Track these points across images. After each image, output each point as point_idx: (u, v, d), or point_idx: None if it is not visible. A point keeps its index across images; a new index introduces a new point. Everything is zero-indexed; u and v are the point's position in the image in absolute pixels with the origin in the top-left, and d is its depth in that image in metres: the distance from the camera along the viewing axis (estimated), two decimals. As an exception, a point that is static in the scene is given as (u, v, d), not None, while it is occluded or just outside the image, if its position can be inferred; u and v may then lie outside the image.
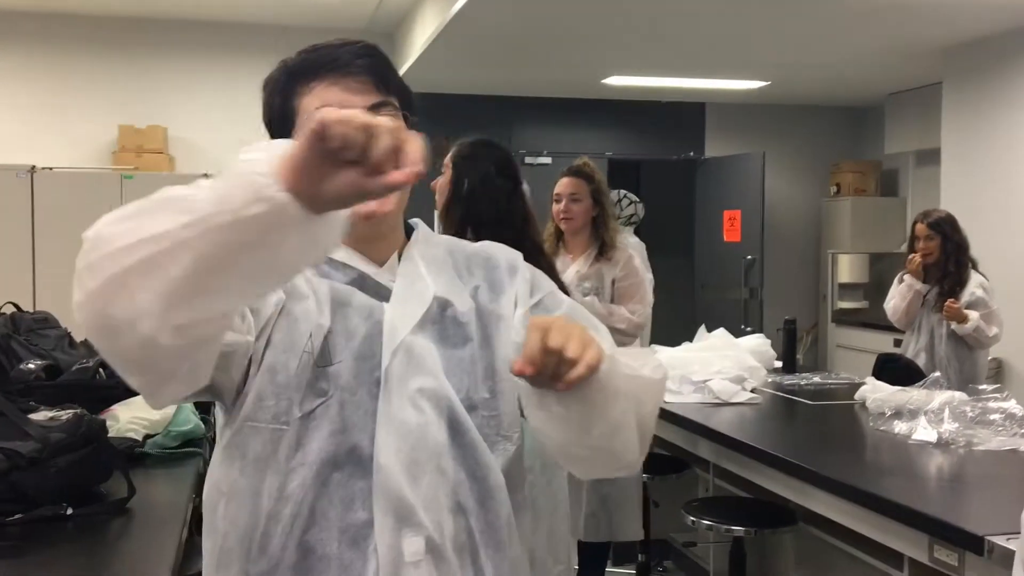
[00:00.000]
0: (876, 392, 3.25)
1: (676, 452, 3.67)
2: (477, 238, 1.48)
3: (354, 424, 1.16)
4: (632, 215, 5.20)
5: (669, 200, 8.33)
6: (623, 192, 5.28)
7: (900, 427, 2.95)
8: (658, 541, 4.15)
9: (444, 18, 5.08)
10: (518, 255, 1.36)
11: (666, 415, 3.57)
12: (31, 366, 2.57)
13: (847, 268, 7.64)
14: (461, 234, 2.54)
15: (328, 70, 1.20)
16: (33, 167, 5.53)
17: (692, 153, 8.07)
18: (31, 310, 3.24)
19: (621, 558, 4.18)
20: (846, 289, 7.67)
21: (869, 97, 7.67)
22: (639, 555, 3.92)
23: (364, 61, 1.21)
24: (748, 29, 5.33)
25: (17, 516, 1.84)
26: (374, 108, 1.17)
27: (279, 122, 1.23)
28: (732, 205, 7.66)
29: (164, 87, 6.60)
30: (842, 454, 2.94)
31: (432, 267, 1.27)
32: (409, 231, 1.32)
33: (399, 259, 1.26)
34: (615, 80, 6.84)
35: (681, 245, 7.96)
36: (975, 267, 4.40)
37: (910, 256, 4.41)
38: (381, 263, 1.26)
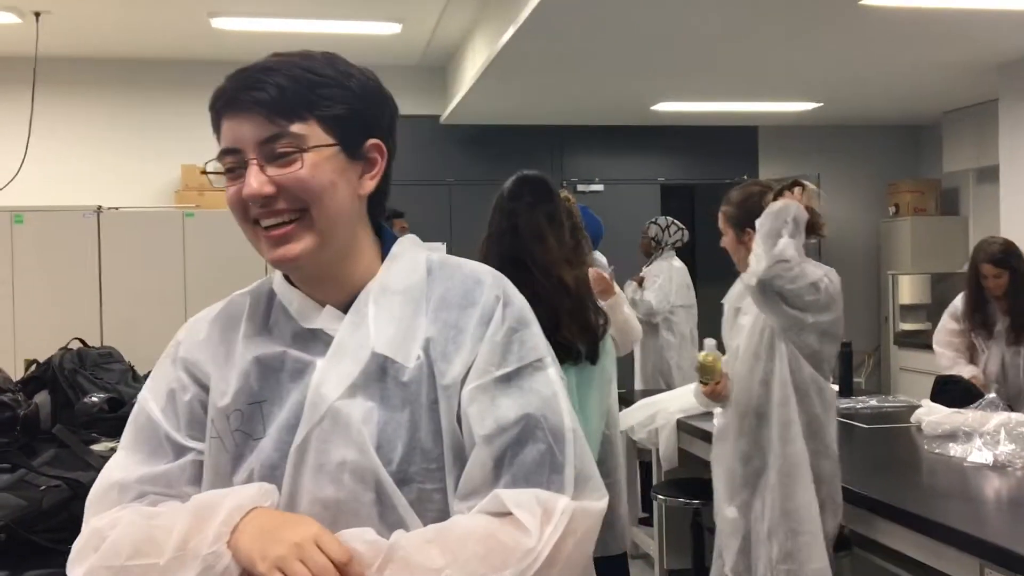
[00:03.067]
0: (931, 414, 3.20)
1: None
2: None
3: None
4: (677, 240, 5.49)
5: (724, 224, 8.30)
6: (670, 219, 5.56)
7: (955, 449, 2.90)
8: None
9: (493, 50, 5.16)
10: (506, 302, 1.14)
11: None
12: (95, 399, 2.68)
13: (908, 289, 7.51)
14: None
15: (226, 105, 1.11)
16: (99, 207, 5.73)
17: (746, 176, 8.02)
18: (98, 345, 3.36)
19: (676, 585, 4.15)
20: (908, 310, 7.53)
21: (925, 115, 7.56)
22: (694, 583, 3.88)
23: (252, 95, 1.09)
24: (799, 51, 5.32)
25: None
26: (268, 141, 1.09)
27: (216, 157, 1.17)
28: (788, 228, 7.56)
29: (224, 126, 6.79)
30: (897, 478, 2.90)
31: (386, 309, 1.13)
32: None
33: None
34: (665, 106, 6.86)
35: (736, 269, 7.89)
36: None
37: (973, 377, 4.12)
38: (343, 301, 1.14)
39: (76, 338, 3.26)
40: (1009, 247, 4.11)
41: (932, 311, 7.32)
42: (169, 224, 5.78)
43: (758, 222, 2.47)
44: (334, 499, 1.05)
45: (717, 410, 2.84)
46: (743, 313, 2.75)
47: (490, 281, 1.16)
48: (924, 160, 8.11)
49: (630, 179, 7.73)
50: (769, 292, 2.44)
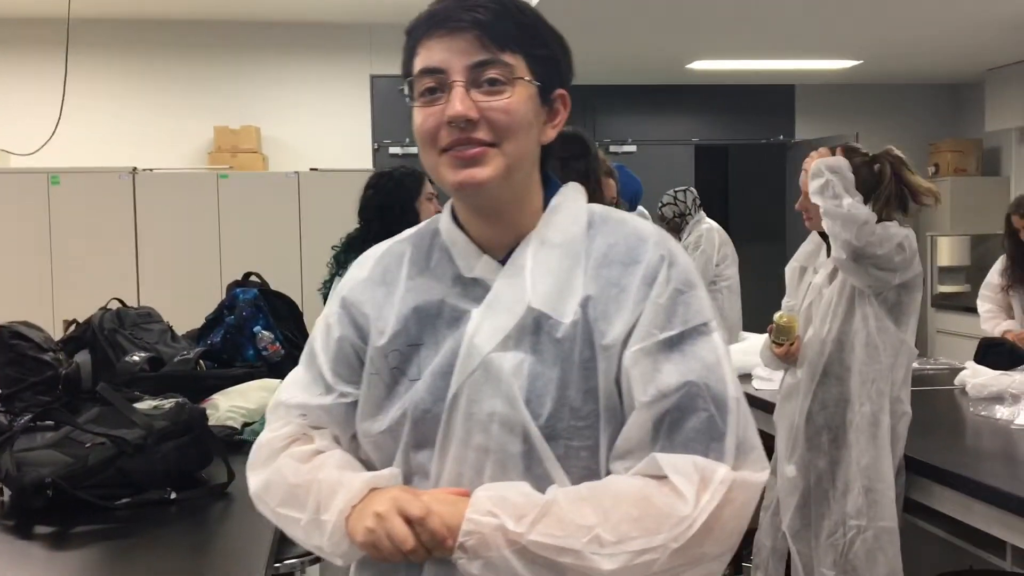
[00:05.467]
0: (977, 377, 3.15)
1: (767, 440, 3.61)
2: None
3: (423, 443, 1.11)
4: (695, 198, 5.34)
5: (759, 185, 8.19)
6: (672, 191, 5.38)
7: (1002, 412, 2.85)
8: (749, 530, 4.09)
9: (526, 9, 5.08)
10: (671, 261, 1.10)
11: (757, 402, 3.52)
12: (135, 358, 2.69)
13: (947, 251, 7.39)
14: None
15: (436, 25, 1.09)
16: (135, 169, 5.75)
17: (782, 136, 7.91)
18: (135, 305, 3.38)
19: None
20: (946, 273, 7.41)
21: (967, 73, 7.38)
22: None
23: (471, 15, 1.08)
24: (837, 6, 5.20)
25: (124, 500, 1.93)
26: (478, 67, 1.08)
27: (405, 80, 1.14)
28: (824, 188, 7.44)
29: (257, 88, 6.78)
30: (942, 440, 2.86)
31: (544, 262, 1.11)
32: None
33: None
34: (700, 64, 6.75)
35: (772, 230, 7.81)
36: None
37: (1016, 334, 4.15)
38: (507, 245, 1.14)
39: (115, 298, 3.28)
40: None
41: (971, 273, 7.20)
42: (203, 185, 5.79)
43: (813, 189, 2.47)
44: (483, 447, 1.08)
45: (776, 373, 2.82)
46: (812, 272, 2.73)
47: (655, 239, 1.13)
48: (965, 119, 7.94)
49: (663, 140, 7.63)
50: (862, 260, 2.43)
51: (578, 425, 1.07)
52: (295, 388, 1.23)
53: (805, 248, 2.81)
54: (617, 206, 2.75)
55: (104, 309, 3.10)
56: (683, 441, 1.03)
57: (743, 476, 1.03)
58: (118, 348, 2.92)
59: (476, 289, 1.13)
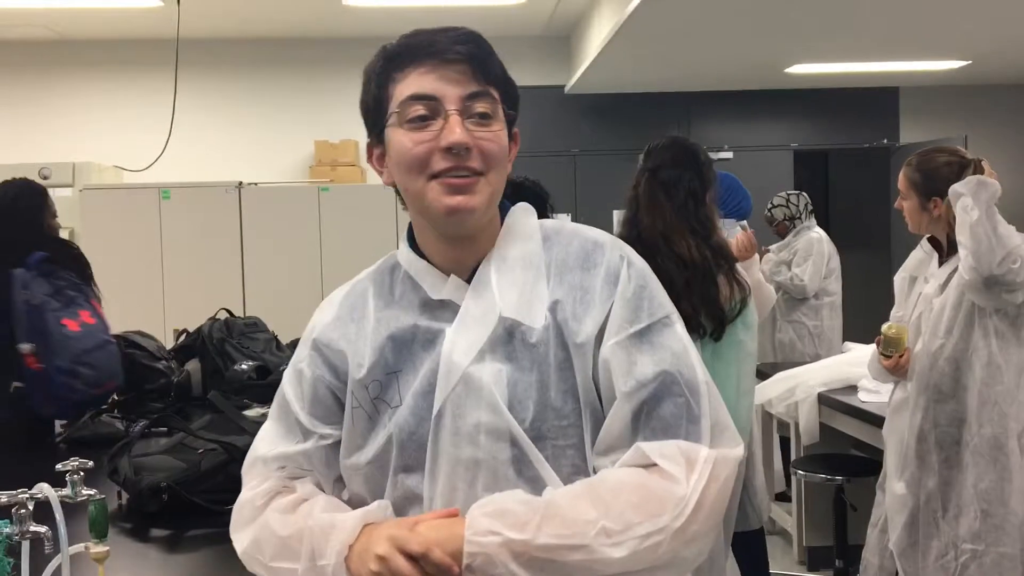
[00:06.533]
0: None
1: (872, 453, 3.51)
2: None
3: (412, 465, 1.13)
4: (807, 203, 5.28)
5: (861, 190, 7.96)
6: (784, 193, 5.36)
7: None
8: (855, 547, 3.98)
9: (620, 17, 5.06)
10: (630, 261, 1.18)
11: (863, 415, 3.42)
12: (244, 367, 2.77)
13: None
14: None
15: (425, 55, 1.13)
16: (240, 183, 5.92)
17: (886, 140, 7.68)
18: (242, 315, 3.48)
19: (817, 563, 4.04)
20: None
21: (1085, 71, 7.05)
22: (836, 560, 3.77)
23: (464, 48, 1.12)
24: (944, 4, 5.02)
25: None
26: (471, 98, 1.12)
27: (373, 110, 1.18)
28: (932, 193, 7.20)
29: (354, 102, 6.86)
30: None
31: (508, 275, 1.16)
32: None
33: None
34: (799, 68, 6.61)
35: (876, 237, 7.59)
36: None
37: None
38: (469, 269, 1.18)
39: (223, 308, 3.38)
40: None
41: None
42: (305, 199, 5.93)
43: (964, 199, 2.37)
44: (473, 459, 1.10)
45: (884, 385, 2.74)
46: (922, 282, 2.64)
47: (610, 243, 1.20)
48: (1082, 119, 7.58)
49: (761, 145, 7.50)
50: (995, 285, 2.33)
51: (562, 424, 1.12)
52: (270, 442, 1.24)
53: (915, 256, 2.72)
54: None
55: (213, 319, 3.20)
56: (663, 427, 1.09)
57: (723, 453, 1.10)
58: (227, 357, 3.00)
59: (445, 311, 1.17)
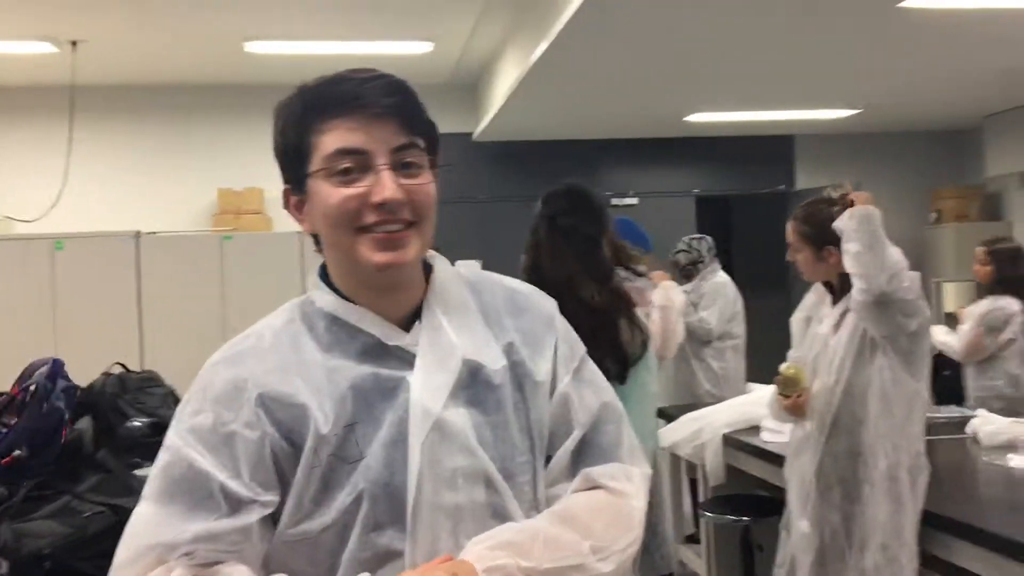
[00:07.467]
0: (988, 424, 3.11)
1: (777, 493, 3.56)
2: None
3: (385, 522, 1.07)
4: (711, 247, 5.37)
5: (761, 235, 8.19)
6: (687, 238, 5.45)
7: (1015, 460, 2.81)
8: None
9: (525, 66, 5.14)
10: (554, 304, 1.26)
11: (766, 455, 3.47)
12: (137, 424, 2.67)
13: (953, 297, 7.37)
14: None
15: (352, 108, 1.10)
16: (138, 232, 5.78)
17: (782, 186, 7.94)
18: (139, 369, 3.36)
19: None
20: (953, 319, 7.38)
21: (966, 120, 7.43)
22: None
23: (391, 101, 1.10)
24: (836, 56, 5.25)
25: (124, 570, 1.89)
26: (400, 150, 1.10)
27: (293, 157, 1.14)
28: (827, 237, 7.46)
29: (260, 150, 6.76)
30: (958, 491, 2.81)
31: (456, 319, 1.17)
32: (429, 271, 1.20)
33: (421, 311, 1.16)
34: (699, 117, 6.80)
35: (775, 281, 7.80)
36: None
37: None
38: (401, 317, 1.15)
39: (117, 363, 3.26)
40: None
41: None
42: (207, 247, 5.81)
43: (847, 233, 2.43)
44: (454, 505, 1.09)
45: (786, 425, 2.78)
46: (816, 322, 2.70)
47: (527, 289, 1.28)
48: (966, 165, 7.97)
49: (665, 191, 7.67)
50: (889, 305, 2.40)
51: (522, 462, 1.15)
52: (170, 524, 1.05)
53: (810, 298, 2.79)
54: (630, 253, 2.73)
55: (106, 374, 3.09)
56: (602, 453, 1.19)
57: (644, 471, 1.23)
58: (120, 413, 2.89)
59: (391, 358, 1.13)
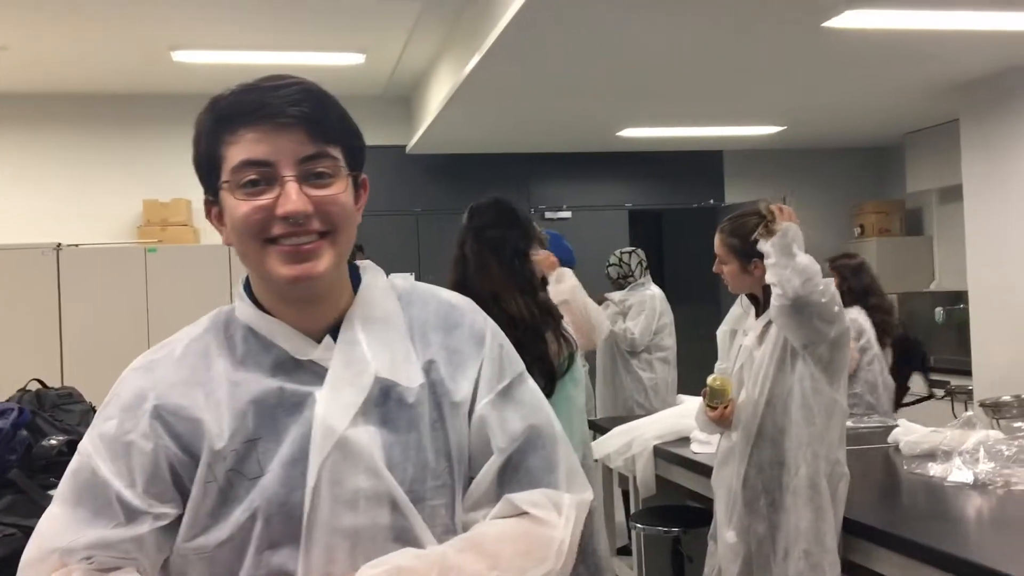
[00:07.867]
0: (909, 434, 3.18)
1: (707, 504, 3.59)
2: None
3: (279, 541, 1.05)
4: (641, 260, 5.42)
5: (692, 248, 8.32)
6: (619, 251, 5.50)
7: (935, 469, 2.88)
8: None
9: (458, 79, 5.14)
10: (487, 321, 1.21)
11: (695, 466, 3.51)
12: (53, 442, 2.58)
13: (876, 309, 7.54)
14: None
15: (257, 118, 1.07)
16: (59, 244, 5.62)
17: (712, 201, 8.06)
18: (59, 385, 3.26)
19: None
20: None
21: (887, 137, 7.65)
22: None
23: (297, 109, 1.07)
24: (762, 75, 5.36)
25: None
26: (307, 160, 1.08)
27: (207, 169, 1.12)
28: (755, 251, 7.59)
29: (187, 160, 6.67)
30: (879, 500, 2.87)
31: (376, 335, 1.13)
32: (358, 282, 1.18)
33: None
34: (629, 132, 6.88)
35: (706, 293, 7.92)
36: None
37: None
38: (322, 329, 1.13)
39: (34, 379, 3.16)
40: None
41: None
42: (131, 260, 5.68)
43: (766, 248, 2.47)
44: (352, 527, 1.05)
45: (714, 436, 2.81)
46: (741, 335, 2.74)
47: (466, 305, 1.23)
48: (888, 181, 8.20)
49: (598, 205, 7.73)
50: (805, 309, 2.43)
51: (436, 484, 1.11)
52: (70, 529, 1.06)
53: (734, 311, 2.83)
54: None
55: (23, 390, 2.99)
56: (528, 478, 1.13)
57: (580, 498, 1.16)
58: (37, 431, 2.79)
59: (304, 372, 1.11)
